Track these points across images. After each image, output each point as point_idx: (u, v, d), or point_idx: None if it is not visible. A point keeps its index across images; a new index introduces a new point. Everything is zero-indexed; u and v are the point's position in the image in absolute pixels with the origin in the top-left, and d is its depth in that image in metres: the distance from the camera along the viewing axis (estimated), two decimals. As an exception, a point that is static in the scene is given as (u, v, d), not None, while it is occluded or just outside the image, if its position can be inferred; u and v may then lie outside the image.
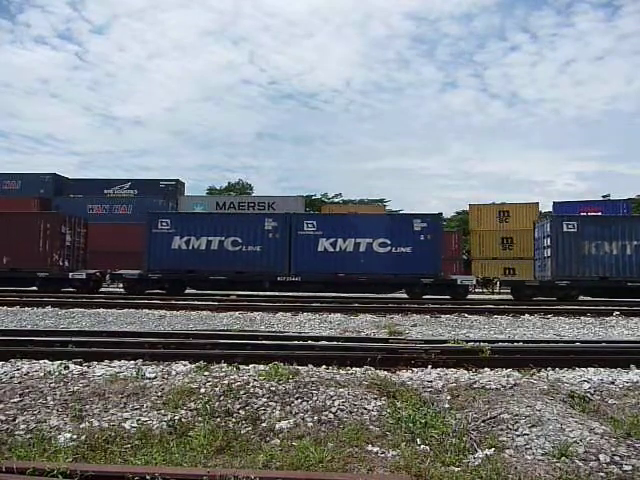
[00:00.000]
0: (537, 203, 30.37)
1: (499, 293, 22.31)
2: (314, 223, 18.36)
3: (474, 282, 18.97)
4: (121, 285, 19.74)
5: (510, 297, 18.88)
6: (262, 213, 21.68)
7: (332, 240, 18.13)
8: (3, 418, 4.22)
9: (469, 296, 18.21)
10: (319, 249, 18.12)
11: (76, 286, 18.80)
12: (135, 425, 4.09)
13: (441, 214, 19.55)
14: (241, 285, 18.31)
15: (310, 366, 5.83)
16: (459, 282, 17.88)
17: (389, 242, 17.95)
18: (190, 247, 18.40)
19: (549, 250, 18.22)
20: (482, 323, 11.48)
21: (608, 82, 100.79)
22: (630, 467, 3.38)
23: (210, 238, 18.38)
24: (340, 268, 17.98)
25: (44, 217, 19.80)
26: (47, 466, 3.18)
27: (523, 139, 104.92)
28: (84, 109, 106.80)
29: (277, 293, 18.22)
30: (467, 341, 7.69)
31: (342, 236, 18.12)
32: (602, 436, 3.79)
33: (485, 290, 23.20)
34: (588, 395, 4.91)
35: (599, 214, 25.92)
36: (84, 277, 18.97)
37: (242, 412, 4.37)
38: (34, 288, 19.08)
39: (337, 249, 18.10)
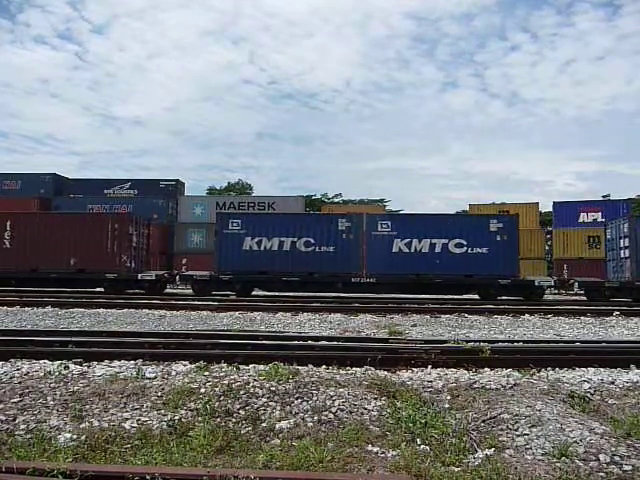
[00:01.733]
0: (537, 203, 30.40)
1: (575, 294, 21.46)
2: (389, 224, 18.13)
3: (552, 283, 18.63)
4: (182, 286, 19.72)
5: (583, 298, 18.58)
6: (336, 213, 21.45)
7: (407, 241, 17.90)
8: (3, 418, 4.22)
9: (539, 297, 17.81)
10: (394, 250, 17.88)
11: (144, 287, 18.49)
12: (135, 425, 4.09)
13: (517, 215, 19.14)
14: (313, 286, 18.09)
15: (310, 366, 5.84)
16: (536, 283, 17.64)
17: (465, 243, 17.72)
18: (262, 248, 18.18)
19: (627, 251, 17.98)
20: (482, 323, 11.48)
21: (608, 82, 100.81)
22: (630, 467, 3.38)
23: (282, 239, 18.17)
24: (415, 269, 17.73)
25: (112, 217, 19.53)
26: (47, 466, 3.18)
27: (523, 139, 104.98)
28: (84, 109, 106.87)
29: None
30: (467, 341, 7.69)
31: (417, 237, 17.88)
32: (602, 436, 3.79)
33: (561, 291, 22.51)
34: (588, 395, 4.90)
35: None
36: (154, 278, 18.65)
37: (242, 412, 4.37)
38: (32, 288, 19.07)
39: (412, 250, 17.86)
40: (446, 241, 17.81)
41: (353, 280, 17.71)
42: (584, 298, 18.62)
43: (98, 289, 18.84)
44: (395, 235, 17.96)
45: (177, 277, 20.35)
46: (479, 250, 17.66)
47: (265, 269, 18.05)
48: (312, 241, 18.09)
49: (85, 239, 18.66)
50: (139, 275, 18.67)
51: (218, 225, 18.63)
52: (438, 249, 17.80)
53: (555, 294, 21.84)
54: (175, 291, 20.91)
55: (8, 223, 19.03)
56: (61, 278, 18.64)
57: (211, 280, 18.13)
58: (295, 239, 18.11)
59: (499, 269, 17.47)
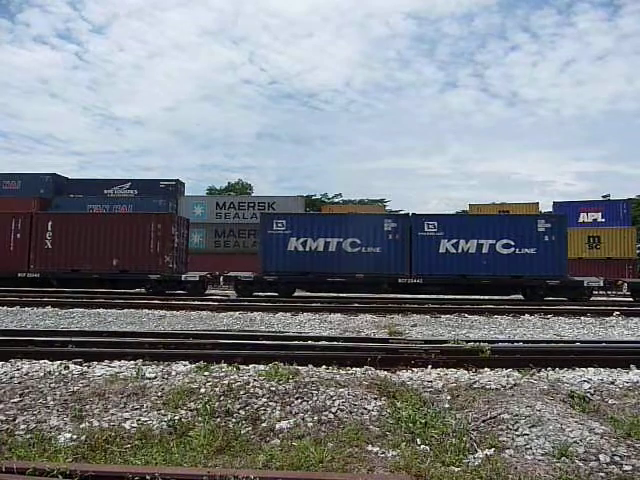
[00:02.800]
0: (537, 203, 30.44)
1: (623, 295, 20.85)
2: (435, 224, 17.95)
3: (600, 283, 18.30)
4: (223, 286, 19.61)
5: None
6: (382, 214, 21.37)
7: (454, 241, 17.72)
8: (3, 418, 4.23)
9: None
10: (440, 250, 17.70)
11: (187, 288, 18.26)
12: (135, 425, 4.09)
13: (565, 215, 19.02)
14: (359, 287, 17.97)
15: (310, 366, 5.83)
16: (585, 284, 17.50)
17: (513, 243, 17.54)
18: (307, 248, 18.01)
19: None
20: (482, 323, 11.47)
21: (608, 82, 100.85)
22: (630, 467, 3.38)
23: (328, 239, 17.99)
24: (463, 270, 17.56)
25: (155, 218, 19.14)
26: (47, 466, 3.18)
27: (523, 139, 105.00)
28: (84, 109, 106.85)
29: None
30: (467, 341, 7.68)
31: (464, 237, 17.70)
32: (602, 436, 3.79)
33: (609, 292, 22.03)
34: (588, 395, 4.90)
35: None
36: (197, 279, 18.43)
37: (242, 412, 4.37)
38: (28, 288, 19.05)
39: (459, 250, 17.66)
40: (493, 241, 17.62)
41: (400, 281, 17.57)
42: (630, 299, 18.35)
43: (138, 290, 18.70)
44: (442, 235, 17.79)
45: (221, 278, 20.28)
46: (527, 251, 17.46)
47: (310, 270, 17.89)
48: (358, 242, 17.91)
49: (128, 239, 18.42)
50: (182, 276, 18.50)
51: (261, 226, 18.51)
52: (485, 250, 17.62)
53: (603, 295, 21.32)
54: (215, 291, 20.76)
55: (49, 223, 18.82)
56: (103, 279, 18.46)
57: (255, 281, 18.07)
58: (341, 239, 17.95)
59: (547, 270, 17.28)
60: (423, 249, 17.78)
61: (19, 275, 18.54)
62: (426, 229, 17.89)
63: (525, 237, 17.54)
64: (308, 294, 18.09)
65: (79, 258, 18.48)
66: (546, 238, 17.49)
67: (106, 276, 18.44)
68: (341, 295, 18.03)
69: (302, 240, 18.04)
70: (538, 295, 17.35)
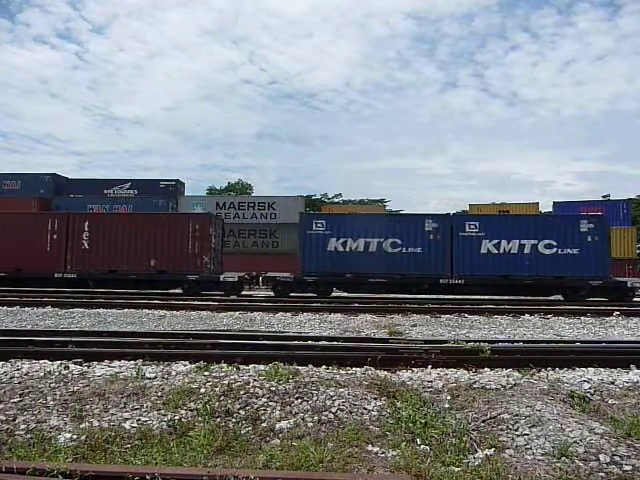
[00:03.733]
0: (537, 203, 30.46)
1: None
2: (476, 224, 17.89)
3: None
4: (261, 287, 19.55)
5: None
6: (422, 214, 21.39)
7: (495, 242, 17.67)
8: (3, 418, 4.23)
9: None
10: (482, 251, 17.64)
11: (225, 289, 18.13)
12: (135, 425, 4.09)
13: (606, 216, 18.83)
14: (400, 288, 17.91)
15: (310, 366, 5.84)
16: (629, 284, 17.43)
17: (555, 243, 17.49)
18: (347, 249, 17.93)
19: None
20: (482, 323, 11.47)
21: (608, 82, 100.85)
22: (630, 467, 3.38)
23: (368, 239, 17.89)
24: (504, 270, 17.49)
25: (193, 218, 19.11)
26: (47, 466, 3.18)
27: (523, 139, 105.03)
28: (84, 109, 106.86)
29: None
30: (467, 341, 7.68)
31: (506, 237, 17.64)
32: (602, 436, 3.79)
33: None
34: (588, 395, 4.91)
35: None
36: (236, 280, 18.35)
37: (242, 412, 4.37)
38: (28, 288, 19.04)
39: (501, 251, 17.62)
40: (535, 242, 17.53)
41: (441, 281, 17.51)
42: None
43: (173, 290, 18.58)
44: (483, 236, 17.73)
45: (260, 279, 20.24)
46: (570, 251, 17.40)
47: (351, 270, 17.80)
48: (399, 242, 17.85)
49: (165, 240, 18.30)
50: (221, 276, 18.41)
51: (300, 226, 18.44)
52: (527, 250, 17.54)
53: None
54: (251, 292, 20.60)
55: (86, 223, 18.72)
56: (140, 279, 18.35)
57: (294, 281, 18.04)
58: (382, 240, 17.86)
59: (590, 270, 17.19)
60: (464, 249, 17.69)
61: (56, 276, 18.38)
62: (467, 229, 17.82)
63: (567, 237, 17.47)
64: (310, 294, 18.06)
65: (116, 259, 18.34)
66: (589, 238, 17.42)
67: (143, 277, 18.29)
68: (341, 295, 18.02)
69: (342, 240, 17.96)
70: (580, 296, 17.24)
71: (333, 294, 18.38)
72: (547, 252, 17.53)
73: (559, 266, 17.37)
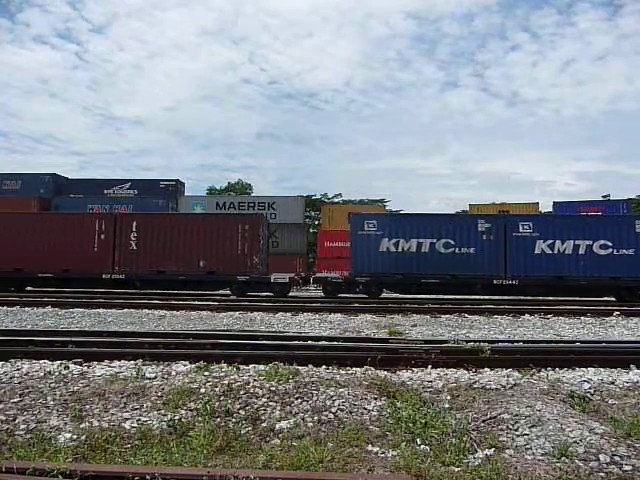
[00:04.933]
0: (537, 203, 30.43)
1: None
2: (530, 224, 17.74)
3: None
4: (310, 287, 19.53)
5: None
6: (475, 214, 21.20)
7: (550, 242, 17.51)
8: (3, 418, 4.22)
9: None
10: (536, 251, 17.51)
11: (275, 290, 17.98)
12: (135, 425, 4.09)
13: None
14: (452, 288, 17.83)
15: (310, 366, 5.84)
16: None
17: (610, 244, 17.32)
18: (399, 249, 17.80)
19: None
20: (482, 323, 11.47)
21: (608, 82, 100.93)
22: (630, 467, 3.38)
23: (421, 240, 17.78)
24: (558, 271, 17.29)
25: (243, 219, 18.94)
26: (47, 466, 3.18)
27: (523, 139, 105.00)
28: (84, 109, 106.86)
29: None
30: (467, 341, 7.68)
31: (560, 238, 17.40)
32: (602, 436, 3.79)
33: None
34: (588, 395, 4.91)
35: None
36: (287, 280, 18.22)
37: (242, 412, 4.37)
38: (29, 288, 19.04)
39: (555, 251, 17.43)
40: (590, 242, 17.37)
41: (495, 282, 17.40)
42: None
43: (221, 291, 18.49)
44: (537, 236, 17.59)
45: (311, 279, 20.18)
46: (625, 251, 17.25)
47: (403, 271, 17.72)
48: (452, 242, 17.72)
49: (215, 241, 18.11)
50: (272, 277, 18.27)
51: (351, 226, 18.34)
52: (582, 250, 17.40)
53: None
54: (298, 293, 20.52)
55: (134, 224, 18.48)
56: (189, 280, 18.17)
57: (346, 282, 17.98)
58: (434, 240, 17.78)
59: None
60: (518, 250, 17.54)
61: (104, 277, 18.24)
62: (521, 230, 17.68)
63: (623, 238, 17.33)
64: (309, 294, 18.06)
65: (164, 259, 18.18)
66: None
67: (193, 278, 18.14)
68: (341, 295, 18.00)
69: (394, 241, 17.85)
70: (636, 296, 17.10)
71: (382, 295, 18.29)
72: (602, 253, 17.36)
73: (614, 267, 17.18)
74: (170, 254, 18.17)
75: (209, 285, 18.39)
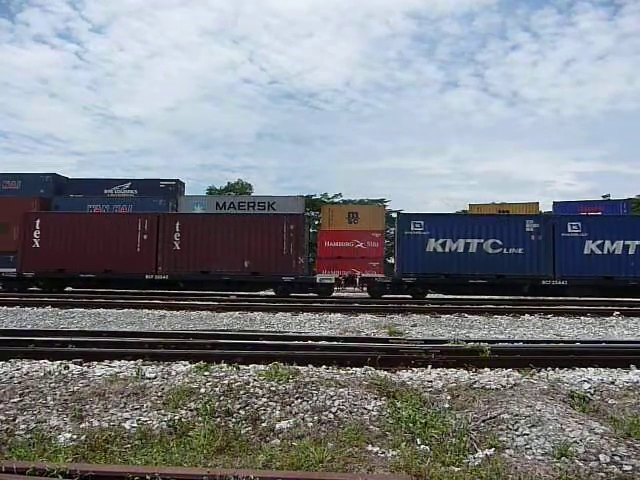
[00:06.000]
0: (537, 203, 30.37)
1: None
2: (579, 225, 17.66)
3: None
4: (355, 288, 19.44)
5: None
6: (523, 215, 20.91)
7: (599, 242, 17.36)
8: (3, 418, 4.22)
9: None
10: (585, 252, 17.39)
11: (319, 291, 17.78)
12: (135, 425, 4.09)
13: None
14: (500, 289, 17.72)
15: (310, 366, 5.84)
16: None
17: None
18: (446, 249, 17.75)
19: None
20: (482, 323, 11.47)
21: (608, 82, 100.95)
22: (630, 467, 3.38)
23: (468, 240, 17.70)
24: (608, 271, 17.22)
25: (288, 219, 18.59)
26: (47, 466, 3.18)
27: (523, 139, 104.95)
28: (84, 109, 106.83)
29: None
30: (467, 341, 7.68)
31: (609, 238, 17.37)
32: (602, 436, 3.79)
33: None
34: (588, 395, 4.91)
35: None
36: (332, 281, 18.18)
37: (242, 412, 4.37)
38: (34, 289, 19.02)
39: (604, 251, 17.33)
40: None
41: (543, 283, 17.36)
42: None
43: (262, 292, 18.47)
44: (586, 237, 17.53)
45: (357, 280, 20.14)
46: None
47: (450, 271, 17.63)
48: (499, 242, 17.66)
49: (259, 241, 18.02)
50: (317, 278, 18.21)
51: (398, 226, 18.33)
52: (632, 251, 17.32)
53: None
54: (342, 294, 20.46)
55: (177, 224, 18.42)
56: (233, 281, 18.04)
57: (392, 282, 17.97)
58: (482, 240, 17.72)
59: None
60: (567, 250, 17.48)
61: (147, 277, 18.16)
62: (569, 230, 17.64)
63: None
64: (310, 294, 18.04)
65: (209, 260, 18.08)
66: None
67: (237, 278, 18.04)
68: (341, 295, 18.00)
69: (441, 241, 17.80)
70: None
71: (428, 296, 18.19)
72: None
73: None
74: (214, 254, 18.05)
75: (253, 286, 18.31)
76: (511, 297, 17.59)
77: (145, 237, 18.45)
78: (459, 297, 17.73)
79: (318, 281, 18.02)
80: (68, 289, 19.10)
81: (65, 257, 18.13)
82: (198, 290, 18.01)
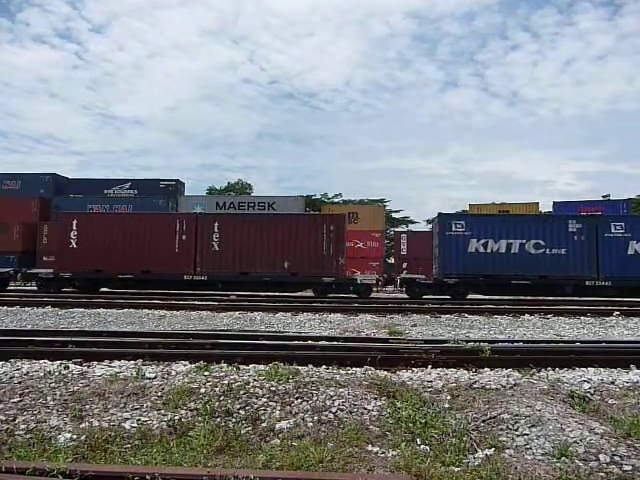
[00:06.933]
0: (537, 203, 30.38)
1: None
2: (622, 225, 17.60)
3: None
4: (395, 289, 19.38)
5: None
6: (565, 215, 20.59)
7: None
8: (3, 418, 4.22)
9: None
10: (629, 252, 17.27)
11: (359, 291, 17.71)
12: (135, 425, 4.09)
13: None
14: (544, 289, 17.69)
15: (310, 366, 5.84)
16: None
17: None
18: (488, 250, 17.67)
19: None
20: (482, 323, 11.47)
21: (608, 82, 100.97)
22: (630, 467, 3.38)
23: (510, 240, 17.65)
24: None
25: (329, 219, 18.54)
26: (47, 466, 3.18)
27: (523, 139, 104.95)
28: (84, 108, 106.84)
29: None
30: (467, 341, 7.68)
31: None
32: (602, 436, 3.79)
33: None
34: (588, 395, 4.91)
35: None
36: (373, 281, 18.10)
37: (242, 412, 4.37)
38: (31, 288, 19.03)
39: None
40: None
41: (587, 283, 17.30)
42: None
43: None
44: (630, 237, 17.46)
45: (398, 280, 20.04)
46: None
47: (492, 272, 17.53)
48: (542, 243, 17.58)
49: (300, 241, 17.86)
50: (358, 278, 18.12)
51: (439, 227, 18.30)
52: None
53: None
54: (382, 295, 20.35)
55: (216, 224, 18.32)
56: (273, 281, 17.93)
57: (434, 283, 17.95)
58: (524, 241, 17.66)
59: None
60: (610, 251, 17.38)
61: (185, 278, 18.04)
62: (613, 230, 17.57)
63: None
64: (309, 294, 18.03)
65: (248, 260, 17.97)
66: None
67: (277, 279, 17.93)
68: (341, 295, 17.97)
69: (483, 241, 17.74)
70: None
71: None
72: None
73: None
74: (254, 255, 17.93)
75: (292, 286, 18.22)
76: (511, 297, 17.60)
77: (183, 237, 18.32)
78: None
79: (359, 281, 17.91)
80: (103, 290, 18.97)
81: (102, 258, 18.03)
82: (236, 291, 17.90)
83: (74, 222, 18.64)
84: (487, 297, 17.57)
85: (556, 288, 17.62)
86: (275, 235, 18.03)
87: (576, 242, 17.56)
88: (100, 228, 18.50)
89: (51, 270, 18.54)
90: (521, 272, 17.48)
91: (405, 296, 18.66)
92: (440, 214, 19.09)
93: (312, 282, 17.97)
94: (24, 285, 21.61)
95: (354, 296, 17.68)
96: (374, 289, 19.18)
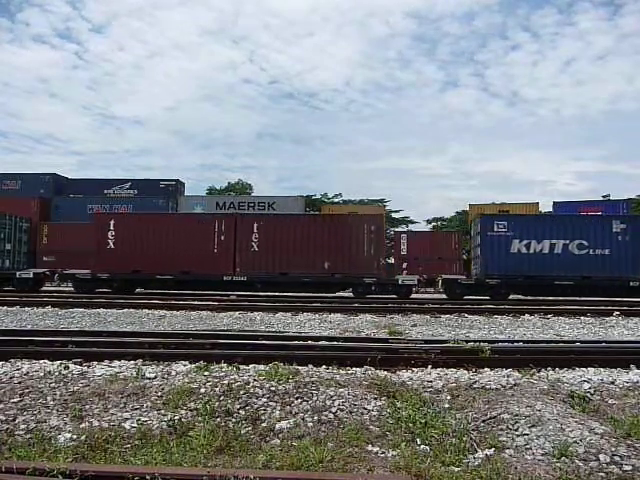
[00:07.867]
0: (537, 203, 30.42)
1: None
2: None
3: None
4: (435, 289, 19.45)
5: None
6: (610, 215, 20.60)
7: None
8: (3, 418, 4.22)
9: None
10: None
11: (401, 292, 17.70)
12: (135, 425, 4.09)
13: None
14: (587, 290, 17.61)
15: (310, 366, 5.83)
16: None
17: None
18: (531, 250, 17.65)
19: None
20: (482, 323, 11.47)
21: (608, 82, 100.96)
22: (630, 467, 3.38)
23: (553, 241, 17.65)
24: None
25: (369, 219, 18.58)
26: (47, 466, 3.18)
27: (523, 139, 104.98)
28: (84, 108, 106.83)
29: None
30: (467, 341, 7.68)
31: None
32: (602, 436, 3.79)
33: None
34: (588, 395, 4.90)
35: None
36: (414, 282, 18.09)
37: (242, 412, 4.37)
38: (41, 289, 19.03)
39: None
40: None
41: (631, 284, 17.25)
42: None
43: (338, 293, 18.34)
44: None
45: (439, 281, 20.10)
46: None
47: (535, 273, 17.51)
48: (585, 243, 17.56)
49: (340, 241, 17.84)
50: (400, 279, 18.04)
51: (481, 227, 18.21)
52: None
53: None
54: (418, 295, 20.24)
55: (255, 225, 18.38)
56: (313, 282, 17.93)
57: (475, 283, 17.91)
58: (567, 241, 17.63)
59: None
60: None
61: (224, 279, 18.01)
62: None
63: None
64: (310, 294, 18.03)
65: (288, 261, 17.93)
66: None
67: (317, 279, 17.89)
68: (341, 295, 17.96)
69: (525, 242, 17.71)
70: None
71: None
72: None
73: None
74: (293, 255, 17.88)
75: (332, 287, 18.18)
76: (510, 297, 17.59)
77: (222, 238, 18.34)
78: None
79: (400, 282, 17.81)
80: (139, 291, 18.88)
81: (140, 258, 17.99)
82: (275, 292, 17.87)
83: (111, 222, 18.59)
84: (487, 297, 17.53)
85: (600, 289, 17.46)
86: (315, 236, 17.95)
87: (620, 242, 17.48)
88: (138, 228, 18.45)
89: (88, 271, 18.46)
90: (564, 273, 17.33)
91: (444, 297, 18.44)
92: (482, 215, 19.01)
93: (353, 282, 17.88)
94: (59, 285, 21.58)
95: (393, 296, 17.45)
96: (413, 289, 19.12)
